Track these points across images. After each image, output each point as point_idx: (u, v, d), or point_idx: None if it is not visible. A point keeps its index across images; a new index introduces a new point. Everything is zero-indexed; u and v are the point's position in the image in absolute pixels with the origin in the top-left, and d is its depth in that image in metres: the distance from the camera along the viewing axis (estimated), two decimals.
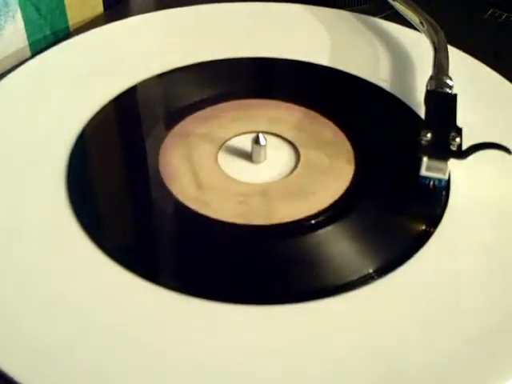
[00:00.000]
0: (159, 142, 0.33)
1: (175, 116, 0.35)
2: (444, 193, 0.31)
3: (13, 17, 0.40)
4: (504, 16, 0.45)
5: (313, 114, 0.35)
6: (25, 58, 0.41)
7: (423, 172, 0.30)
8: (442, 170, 0.30)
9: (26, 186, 0.31)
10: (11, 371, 0.24)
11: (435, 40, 0.36)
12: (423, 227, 0.30)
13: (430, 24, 0.37)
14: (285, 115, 0.35)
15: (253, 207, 0.30)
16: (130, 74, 0.37)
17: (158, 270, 0.28)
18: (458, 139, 0.30)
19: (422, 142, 0.30)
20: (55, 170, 0.32)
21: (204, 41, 0.40)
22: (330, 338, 0.25)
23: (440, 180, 0.30)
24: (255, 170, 0.33)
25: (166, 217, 0.31)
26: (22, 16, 0.40)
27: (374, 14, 0.43)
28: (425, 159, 0.30)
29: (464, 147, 0.30)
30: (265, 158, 0.33)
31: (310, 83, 0.39)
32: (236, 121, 0.35)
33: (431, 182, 0.30)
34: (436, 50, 0.36)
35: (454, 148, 0.30)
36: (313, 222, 0.30)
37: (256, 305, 0.26)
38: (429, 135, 0.30)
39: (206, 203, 0.30)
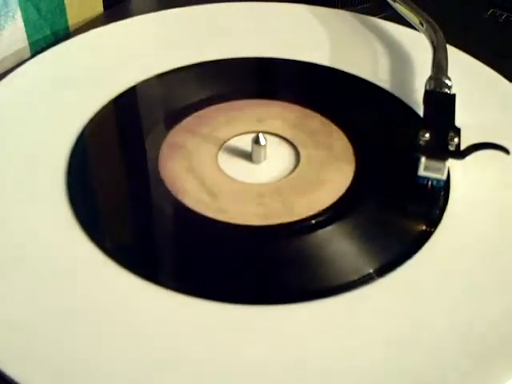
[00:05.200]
0: (159, 141, 0.33)
1: (175, 116, 0.35)
2: (444, 193, 0.31)
3: (13, 17, 0.40)
4: (504, 16, 0.45)
5: (313, 113, 0.35)
6: (25, 58, 0.41)
7: (421, 172, 0.30)
8: (441, 171, 0.30)
9: (26, 186, 0.31)
10: (11, 371, 0.24)
11: (434, 40, 0.36)
12: (423, 227, 0.30)
13: (430, 24, 0.37)
14: (285, 115, 0.35)
15: (252, 207, 0.30)
16: (130, 74, 0.37)
17: (157, 270, 0.28)
18: (456, 139, 0.30)
19: (420, 141, 0.30)
20: (55, 169, 0.32)
21: (204, 41, 0.40)
22: (330, 338, 0.25)
23: (438, 180, 0.30)
24: (255, 170, 0.33)
25: (165, 216, 0.31)
26: (22, 16, 0.40)
27: (374, 14, 0.43)
28: (423, 159, 0.30)
29: (463, 147, 0.30)
30: (265, 158, 0.33)
31: (310, 83, 0.39)
32: (236, 121, 0.35)
33: (429, 182, 0.30)
34: (435, 50, 0.36)
35: (452, 148, 0.30)
36: (313, 222, 0.30)
37: (256, 305, 0.26)
38: (427, 135, 0.30)
39: (204, 202, 0.30)
